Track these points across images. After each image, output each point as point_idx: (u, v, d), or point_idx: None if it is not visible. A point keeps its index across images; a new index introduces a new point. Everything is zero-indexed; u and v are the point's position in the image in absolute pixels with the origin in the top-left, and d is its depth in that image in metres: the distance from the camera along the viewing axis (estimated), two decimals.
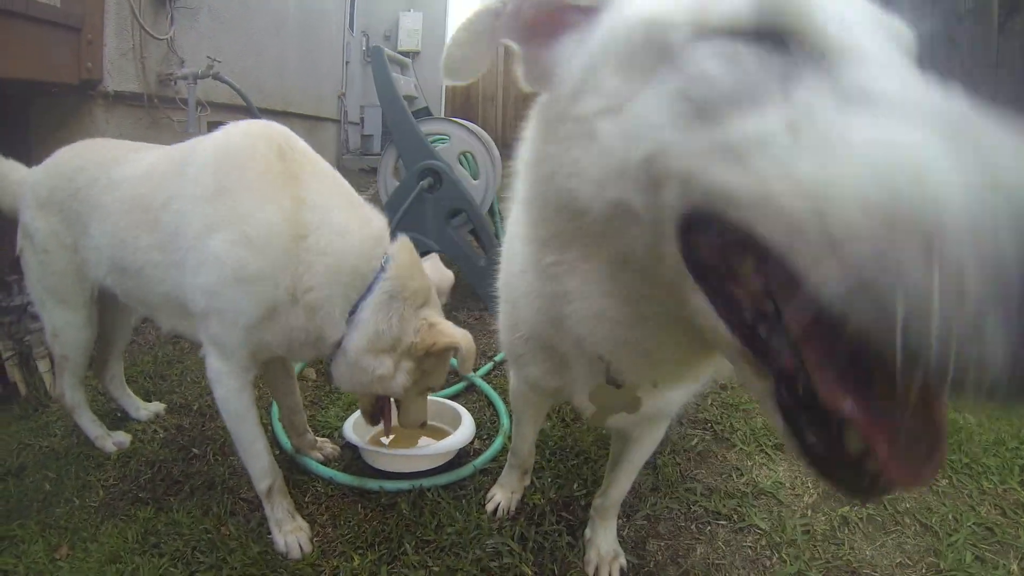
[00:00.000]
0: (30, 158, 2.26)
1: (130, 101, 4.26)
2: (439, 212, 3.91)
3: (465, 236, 4.22)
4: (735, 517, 2.10)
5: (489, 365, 3.18)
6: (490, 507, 2.09)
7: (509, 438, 2.45)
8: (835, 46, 0.63)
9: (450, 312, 2.30)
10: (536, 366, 1.36)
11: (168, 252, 1.78)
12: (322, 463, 2.31)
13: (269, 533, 1.94)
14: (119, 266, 1.95)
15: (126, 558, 1.85)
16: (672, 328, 0.84)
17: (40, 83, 3.57)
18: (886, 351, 0.50)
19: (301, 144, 1.86)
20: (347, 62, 8.76)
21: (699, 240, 0.68)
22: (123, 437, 2.40)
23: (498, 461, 2.34)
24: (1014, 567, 1.90)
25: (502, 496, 2.11)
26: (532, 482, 2.22)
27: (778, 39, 0.64)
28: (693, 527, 2.06)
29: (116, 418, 2.52)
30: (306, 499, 2.13)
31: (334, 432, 2.57)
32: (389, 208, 3.93)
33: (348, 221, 1.77)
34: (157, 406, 2.67)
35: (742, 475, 2.32)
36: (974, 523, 2.08)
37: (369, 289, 1.79)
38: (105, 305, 2.24)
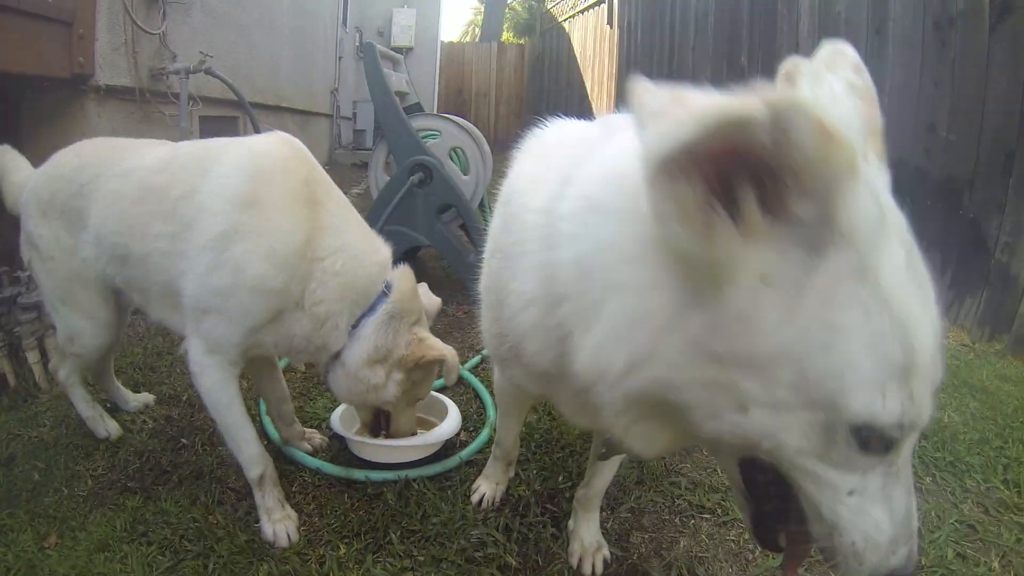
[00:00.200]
0: (22, 152, 2.26)
1: (122, 95, 4.26)
2: (429, 207, 3.92)
3: (455, 231, 4.24)
4: (719, 511, 2.12)
5: (476, 359, 3.21)
6: (475, 498, 2.11)
7: (495, 430, 2.47)
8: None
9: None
10: (521, 371, 1.39)
11: (177, 242, 1.82)
12: (310, 454, 2.34)
13: (257, 522, 1.95)
14: (121, 254, 1.95)
15: (114, 546, 1.86)
16: (680, 430, 0.92)
17: (32, 77, 3.57)
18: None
19: (321, 170, 1.96)
20: (340, 57, 8.75)
21: (755, 467, 0.91)
22: (113, 427, 2.39)
23: (484, 453, 2.36)
24: (995, 564, 1.92)
25: (487, 487, 2.13)
26: (517, 474, 2.24)
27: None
28: (677, 520, 2.08)
29: (106, 410, 2.52)
30: (293, 489, 2.15)
31: (322, 423, 2.59)
32: (379, 203, 3.95)
33: (360, 247, 1.92)
34: (147, 397, 2.69)
35: None
36: (956, 521, 2.10)
37: (372, 308, 1.94)
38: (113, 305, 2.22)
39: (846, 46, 0.99)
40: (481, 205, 4.67)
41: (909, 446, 0.84)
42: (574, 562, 1.87)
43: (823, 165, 0.63)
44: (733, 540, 2.00)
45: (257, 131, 4.79)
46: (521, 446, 2.38)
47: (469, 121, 4.80)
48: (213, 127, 5.57)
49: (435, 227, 3.92)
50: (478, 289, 1.50)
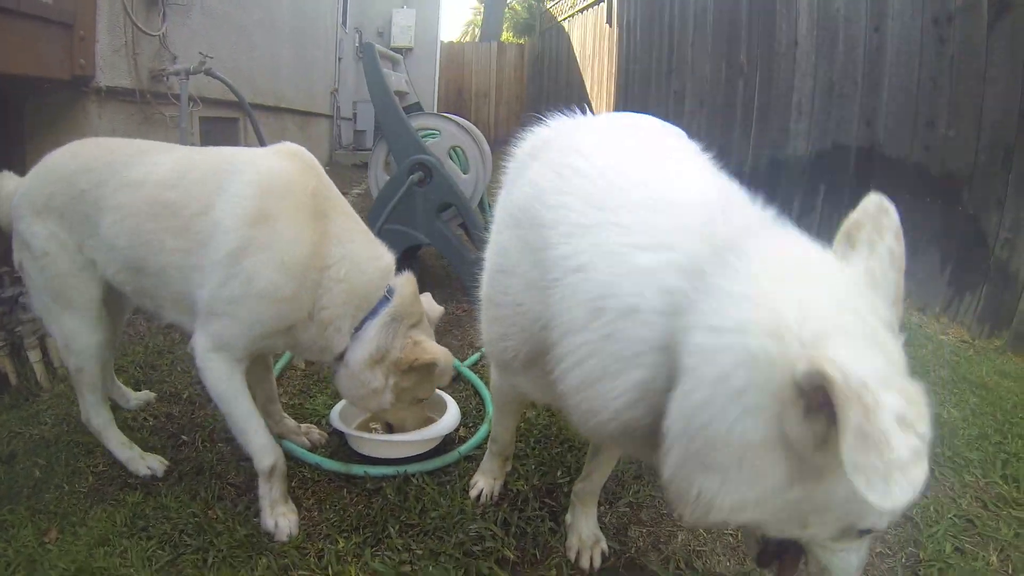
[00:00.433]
0: (24, 154, 2.26)
1: (123, 97, 4.28)
2: (429, 206, 3.93)
3: (455, 230, 4.25)
4: None
5: (475, 356, 3.23)
6: (473, 493, 2.12)
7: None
8: None
9: (440, 303, 2.33)
10: (524, 378, 1.46)
11: (192, 256, 1.91)
12: (309, 450, 2.35)
13: (256, 516, 1.97)
14: (136, 266, 1.99)
15: (114, 541, 1.87)
16: None
17: (33, 79, 3.59)
18: None
19: (326, 179, 2.08)
20: (340, 58, 8.77)
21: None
22: (154, 462, 2.22)
23: (483, 448, 2.36)
24: (993, 559, 1.93)
25: (484, 483, 2.14)
26: (516, 469, 2.25)
27: None
28: (675, 516, 2.07)
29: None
30: (293, 484, 2.15)
31: (322, 419, 2.60)
32: (379, 202, 3.95)
33: (363, 255, 2.03)
34: (147, 395, 2.69)
35: None
36: (955, 515, 2.11)
37: (374, 312, 2.02)
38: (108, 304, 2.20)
39: (890, 206, 1.11)
40: (480, 204, 4.68)
41: None
42: (572, 556, 1.88)
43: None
44: (731, 534, 2.01)
45: (258, 132, 4.81)
46: (519, 441, 2.39)
47: (469, 121, 4.82)
48: (213, 128, 5.59)
49: (435, 226, 3.93)
50: (481, 295, 1.53)
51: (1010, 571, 1.91)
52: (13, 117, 3.86)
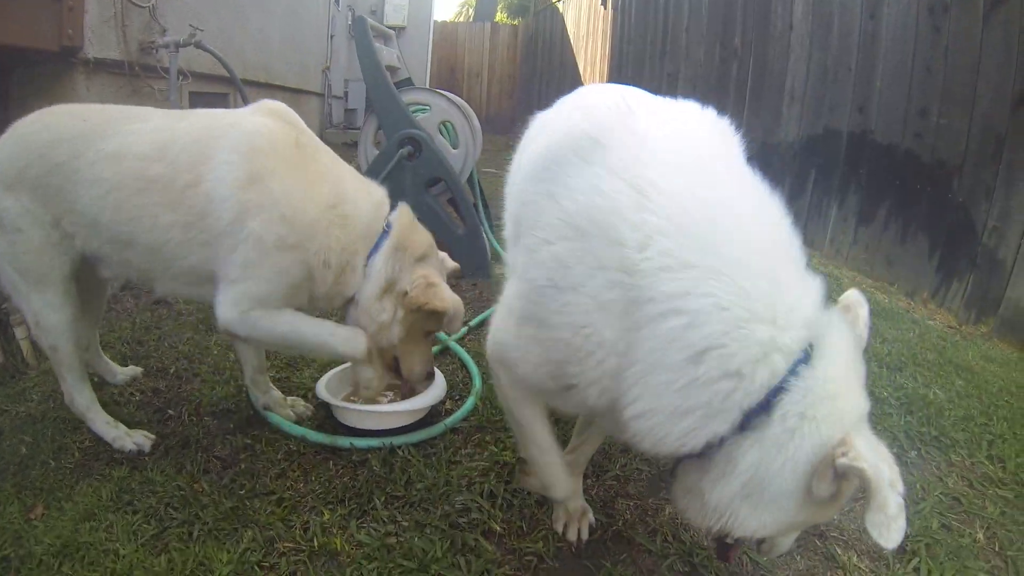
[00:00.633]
0: (9, 125, 2.21)
1: (111, 69, 4.21)
2: (418, 180, 3.92)
3: (444, 205, 4.24)
4: None
5: (464, 330, 3.23)
6: (569, 535, 1.90)
7: (481, 399, 2.49)
8: None
9: None
10: (560, 398, 1.46)
11: (194, 231, 1.93)
12: (295, 422, 2.34)
13: (241, 489, 1.98)
14: (124, 240, 1.97)
15: (100, 515, 1.87)
16: None
17: (21, 49, 3.52)
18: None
19: (307, 130, 2.12)
20: (332, 36, 8.68)
21: None
22: (140, 438, 2.20)
23: (469, 420, 2.39)
24: (980, 536, 1.96)
25: (566, 521, 1.92)
26: (501, 440, 2.26)
27: None
28: (662, 487, 2.08)
29: (93, 384, 2.49)
30: (278, 456, 2.16)
31: (308, 393, 2.60)
32: (368, 176, 3.93)
33: (357, 193, 2.08)
34: (134, 370, 2.68)
35: None
36: (941, 493, 2.13)
37: (377, 246, 2.06)
38: (78, 277, 2.15)
39: (865, 302, 1.43)
40: (470, 179, 4.66)
41: None
42: (559, 528, 1.88)
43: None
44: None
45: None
46: (504, 415, 2.39)
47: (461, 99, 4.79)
48: (203, 103, 5.50)
49: (424, 200, 3.90)
50: (515, 311, 1.47)
51: (997, 548, 1.94)
52: (0, 88, 3.80)
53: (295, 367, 2.84)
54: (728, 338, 1.15)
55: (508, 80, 15.41)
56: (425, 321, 2.11)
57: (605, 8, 11.27)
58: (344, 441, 2.21)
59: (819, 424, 1.17)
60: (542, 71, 14.35)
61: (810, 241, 5.06)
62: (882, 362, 3.17)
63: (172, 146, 1.94)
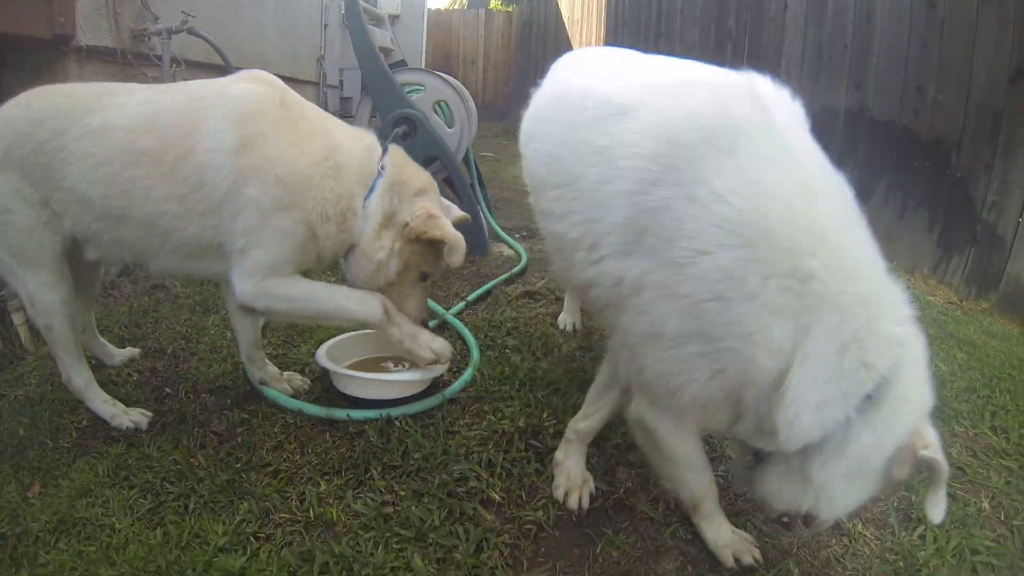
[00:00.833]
0: None
1: (103, 57, 4.19)
2: (413, 160, 3.88)
3: (440, 184, 4.22)
4: (706, 447, 2.09)
5: (461, 304, 3.24)
6: (559, 495, 1.90)
7: (479, 371, 2.48)
8: None
9: None
10: (706, 413, 1.45)
11: (191, 202, 1.94)
12: (292, 396, 2.34)
13: (238, 463, 1.97)
14: (116, 215, 1.96)
15: (96, 491, 1.87)
16: None
17: (12, 37, 3.51)
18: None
19: (290, 90, 2.12)
20: (326, 25, 8.63)
21: None
22: (137, 416, 2.20)
23: (467, 391, 2.38)
24: (985, 505, 1.96)
25: (567, 489, 1.90)
26: (500, 410, 2.25)
27: None
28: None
29: (91, 366, 2.47)
30: (275, 429, 2.15)
31: (305, 368, 2.59)
32: None
33: (346, 141, 2.09)
34: (132, 351, 2.67)
35: None
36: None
37: (372, 188, 2.08)
38: (71, 259, 2.14)
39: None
40: (466, 158, 4.66)
41: None
42: (560, 495, 1.87)
43: None
44: (721, 475, 2.01)
45: None
46: (504, 384, 2.41)
47: None
48: None
49: None
50: (664, 334, 1.37)
51: (1002, 517, 1.93)
52: None
53: (292, 343, 2.83)
54: (865, 332, 1.23)
55: (503, 67, 15.34)
56: (422, 258, 2.11)
57: None
58: (341, 413, 2.20)
59: (909, 411, 1.29)
60: (537, 57, 14.27)
61: None
62: None
63: (160, 118, 1.94)
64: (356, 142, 2.12)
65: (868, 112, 4.79)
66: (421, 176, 2.18)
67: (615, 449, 2.12)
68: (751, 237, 1.24)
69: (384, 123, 3.88)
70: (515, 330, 2.96)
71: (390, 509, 1.80)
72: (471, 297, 3.34)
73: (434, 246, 2.08)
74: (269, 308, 2.03)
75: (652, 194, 1.37)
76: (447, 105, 4.49)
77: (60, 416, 2.25)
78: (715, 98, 1.41)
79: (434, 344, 2.13)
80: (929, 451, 1.27)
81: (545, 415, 2.22)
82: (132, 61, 4.34)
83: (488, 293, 3.47)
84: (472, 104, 4.52)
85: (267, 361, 2.43)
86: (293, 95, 2.11)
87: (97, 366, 2.53)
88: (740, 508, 1.90)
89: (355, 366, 2.52)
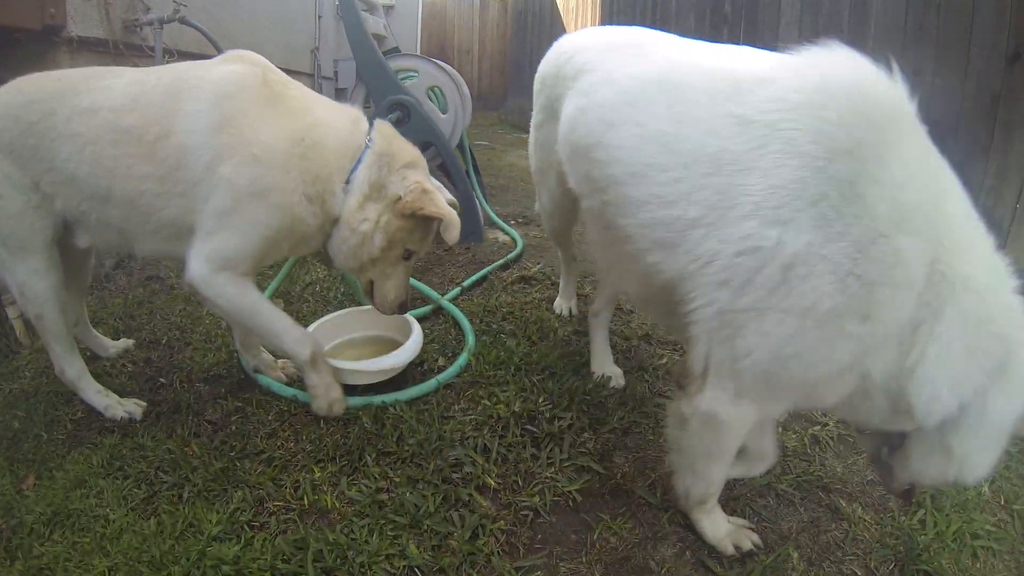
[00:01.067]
0: None
1: (95, 48, 4.16)
2: None
3: (435, 170, 4.21)
4: None
5: (456, 290, 3.22)
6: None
7: (474, 355, 2.48)
8: None
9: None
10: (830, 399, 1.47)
11: (170, 183, 1.92)
12: (286, 384, 2.33)
13: (232, 450, 1.97)
14: (102, 195, 1.95)
15: (91, 482, 1.86)
16: None
17: (2, 29, 3.49)
18: None
19: (273, 67, 2.09)
20: (320, 16, 8.60)
21: None
22: (131, 406, 2.20)
23: (462, 377, 2.37)
24: (985, 489, 1.95)
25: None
26: (495, 395, 2.24)
27: None
28: (661, 441, 2.04)
29: (85, 359, 2.45)
30: (269, 417, 2.14)
31: None
32: None
33: (330, 116, 2.07)
34: (126, 342, 2.66)
35: None
36: None
37: (359, 161, 2.04)
38: (62, 249, 2.13)
39: None
40: (460, 144, 4.64)
41: None
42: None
43: None
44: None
45: None
46: (500, 368, 2.40)
47: None
48: None
49: None
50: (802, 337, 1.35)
51: (1002, 502, 1.93)
52: None
53: None
54: (998, 309, 1.31)
55: (499, 56, 15.30)
56: (409, 235, 2.08)
57: None
58: None
59: None
60: (532, 46, 14.23)
61: None
62: None
63: (143, 97, 1.93)
64: (341, 116, 2.10)
65: None
66: (410, 149, 2.14)
67: (611, 433, 2.11)
68: (921, 229, 1.29)
69: (378, 109, 3.86)
70: (511, 315, 2.94)
71: (384, 496, 1.79)
72: (467, 283, 3.32)
73: (424, 223, 2.07)
74: (213, 300, 2.00)
75: (840, 164, 1.31)
76: (441, 91, 4.47)
77: (55, 408, 2.24)
78: (879, 77, 1.48)
79: (335, 407, 2.11)
80: None
81: (541, 400, 2.20)
82: (124, 52, 4.31)
83: (484, 279, 3.45)
84: (466, 90, 4.50)
85: (261, 349, 2.42)
86: (276, 73, 2.08)
87: (91, 358, 2.52)
88: (739, 493, 1.89)
89: (342, 346, 2.56)
